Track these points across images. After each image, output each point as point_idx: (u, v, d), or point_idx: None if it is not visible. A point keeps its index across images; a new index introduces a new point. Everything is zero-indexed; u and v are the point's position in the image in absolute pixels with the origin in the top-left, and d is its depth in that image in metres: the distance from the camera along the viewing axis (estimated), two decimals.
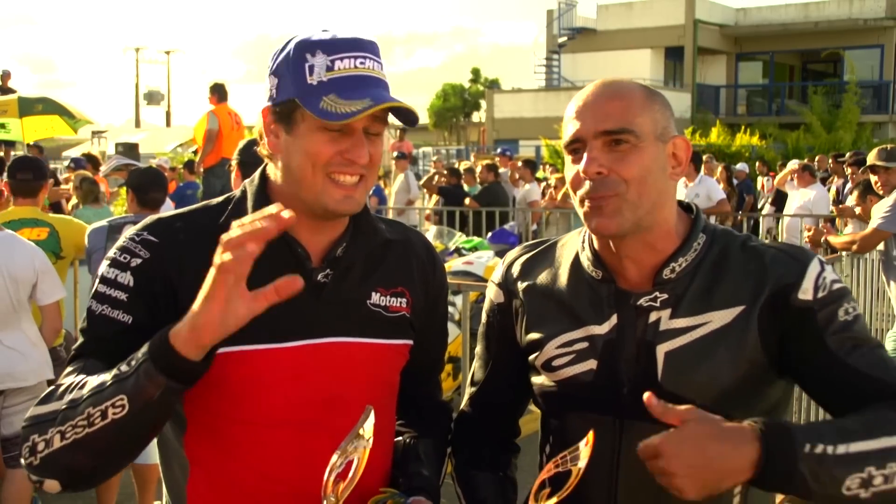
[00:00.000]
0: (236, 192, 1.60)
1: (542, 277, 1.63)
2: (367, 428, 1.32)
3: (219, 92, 9.86)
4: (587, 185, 1.47)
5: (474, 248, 8.39)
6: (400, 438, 1.73)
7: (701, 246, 1.52)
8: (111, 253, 1.53)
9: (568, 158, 1.52)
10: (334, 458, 1.30)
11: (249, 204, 1.55)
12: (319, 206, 1.50)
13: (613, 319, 1.53)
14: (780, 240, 9.68)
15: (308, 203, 1.50)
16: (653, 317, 1.50)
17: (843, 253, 5.44)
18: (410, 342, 1.65)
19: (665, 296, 1.50)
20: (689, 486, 1.29)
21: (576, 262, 1.60)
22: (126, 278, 1.49)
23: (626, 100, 1.48)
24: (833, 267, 1.52)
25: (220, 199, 1.62)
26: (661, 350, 1.49)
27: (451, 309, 6.21)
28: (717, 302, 1.49)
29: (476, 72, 54.16)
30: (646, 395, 1.33)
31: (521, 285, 1.64)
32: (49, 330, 4.20)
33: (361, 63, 1.46)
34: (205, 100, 10.04)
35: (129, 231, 1.54)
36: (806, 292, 1.45)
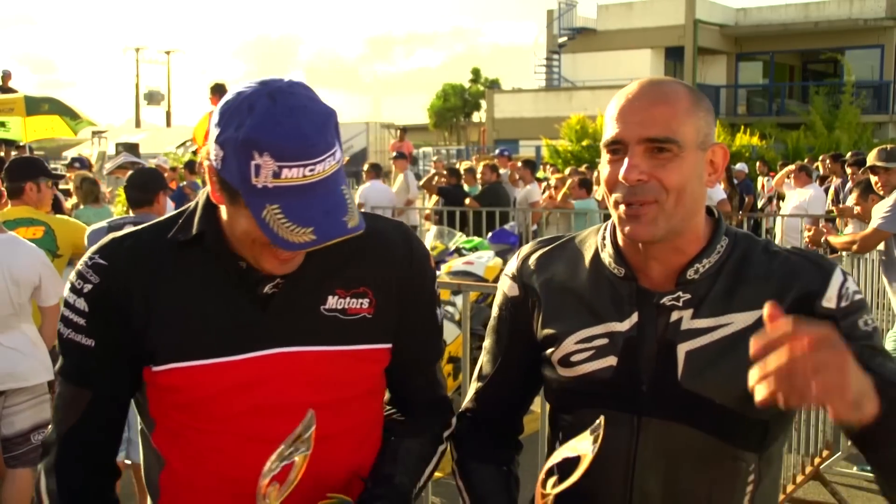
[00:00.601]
0: (190, 204, 1.59)
1: (561, 273, 1.62)
2: (308, 432, 1.32)
3: (220, 92, 9.84)
4: (625, 188, 1.46)
5: (474, 248, 8.37)
6: (385, 435, 1.71)
7: (724, 248, 1.53)
8: (71, 276, 1.56)
9: (605, 156, 1.51)
10: (270, 461, 1.31)
11: (196, 218, 1.54)
12: (256, 266, 1.50)
13: (634, 317, 1.53)
14: (777, 239, 9.72)
15: (244, 257, 1.50)
16: (674, 316, 1.51)
17: (843, 253, 5.43)
18: (381, 346, 1.61)
19: (688, 296, 1.51)
20: (847, 389, 1.18)
21: (596, 258, 1.60)
22: (82, 304, 1.52)
23: (672, 106, 1.45)
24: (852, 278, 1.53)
25: (176, 211, 1.61)
26: (682, 349, 1.49)
27: (451, 309, 6.23)
28: (739, 304, 1.49)
29: (476, 72, 54.15)
30: (768, 306, 1.24)
31: (538, 279, 1.63)
32: (50, 330, 4.20)
33: (311, 171, 1.35)
34: (205, 100, 10.06)
35: (87, 253, 1.56)
36: (830, 301, 1.47)
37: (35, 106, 8.97)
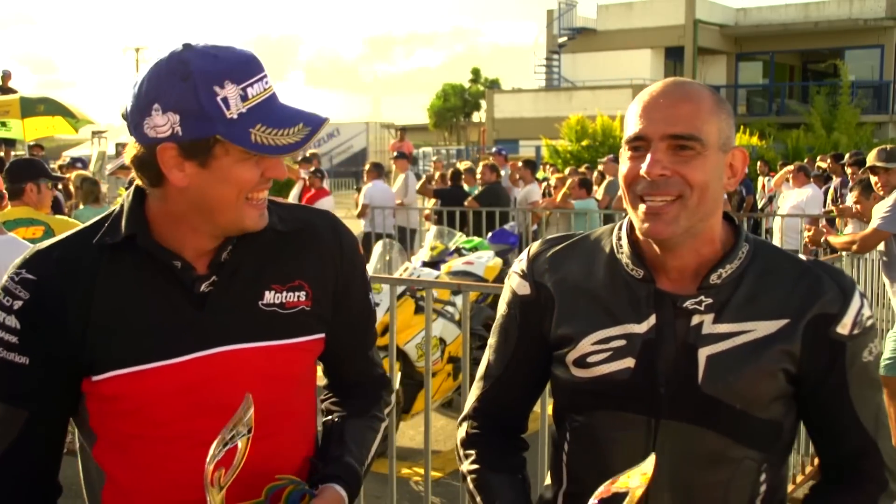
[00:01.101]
0: (114, 208, 1.57)
1: (575, 272, 1.60)
2: (247, 415, 1.34)
3: None
4: (645, 183, 1.46)
5: (474, 248, 8.36)
6: (328, 419, 1.72)
7: (745, 254, 1.53)
8: None
9: (625, 153, 1.51)
10: (213, 446, 1.32)
11: (123, 220, 1.52)
12: (236, 228, 1.49)
13: (652, 319, 1.52)
14: (776, 239, 9.71)
15: (222, 226, 1.49)
16: (695, 320, 1.51)
17: (843, 253, 5.43)
18: (318, 336, 1.62)
19: (710, 300, 1.51)
20: None
21: (611, 258, 1.58)
22: (12, 321, 1.48)
23: (696, 104, 1.46)
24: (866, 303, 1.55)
25: (100, 217, 1.58)
26: (704, 353, 1.49)
27: (451, 309, 6.23)
28: (762, 312, 1.50)
29: (476, 72, 54.23)
30: None
31: (551, 278, 1.61)
32: None
33: (266, 84, 1.44)
34: None
35: (12, 268, 1.52)
36: (844, 328, 1.49)
37: (30, 108, 8.94)
